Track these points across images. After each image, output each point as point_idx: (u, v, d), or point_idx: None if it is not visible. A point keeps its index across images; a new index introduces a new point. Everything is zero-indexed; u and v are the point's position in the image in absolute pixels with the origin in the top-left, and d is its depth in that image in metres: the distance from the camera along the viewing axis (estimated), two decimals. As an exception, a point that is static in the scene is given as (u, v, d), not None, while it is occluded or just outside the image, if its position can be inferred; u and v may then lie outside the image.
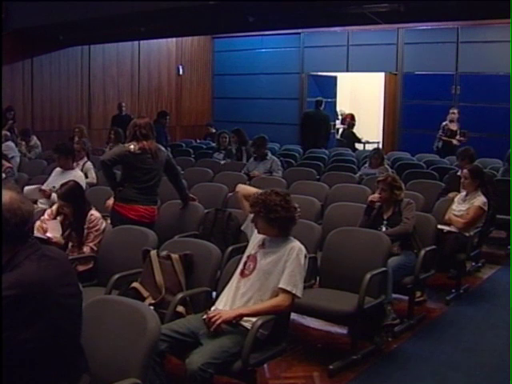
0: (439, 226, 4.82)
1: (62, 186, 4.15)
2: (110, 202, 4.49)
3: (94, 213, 4.05)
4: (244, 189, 3.48)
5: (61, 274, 1.95)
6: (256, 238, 3.13)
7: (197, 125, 13.65)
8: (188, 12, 7.94)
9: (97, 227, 3.99)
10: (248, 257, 3.09)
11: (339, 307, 3.59)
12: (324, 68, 12.57)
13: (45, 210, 4.31)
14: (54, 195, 5.27)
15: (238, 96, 13.51)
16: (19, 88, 10.58)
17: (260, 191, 3.16)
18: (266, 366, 3.44)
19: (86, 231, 3.96)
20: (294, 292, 2.91)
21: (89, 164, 6.40)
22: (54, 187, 5.41)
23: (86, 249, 3.94)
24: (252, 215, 3.10)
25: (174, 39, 13.07)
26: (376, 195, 4.51)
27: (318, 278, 4.08)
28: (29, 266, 1.86)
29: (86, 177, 6.04)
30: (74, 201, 4.00)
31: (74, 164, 5.88)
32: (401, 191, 4.43)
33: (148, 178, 4.37)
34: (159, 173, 4.48)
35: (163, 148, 4.67)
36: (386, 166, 7.21)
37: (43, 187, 5.37)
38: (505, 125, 9.38)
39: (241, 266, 3.08)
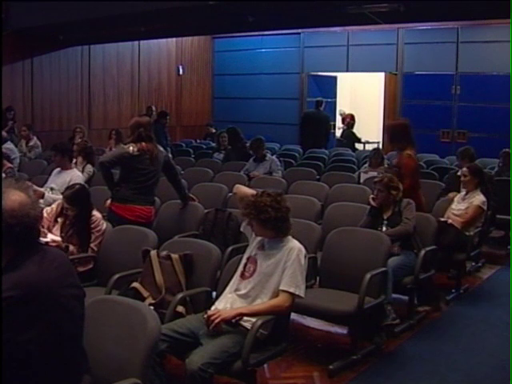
0: (442, 219, 4.83)
1: (68, 188, 4.14)
2: (109, 202, 4.49)
3: (96, 213, 4.05)
4: (240, 191, 3.40)
5: (62, 275, 1.94)
6: (255, 239, 3.13)
7: (197, 125, 13.65)
8: (188, 12, 7.93)
9: (98, 228, 3.99)
10: (248, 258, 3.09)
11: (339, 307, 3.59)
12: (324, 68, 12.56)
13: (43, 209, 4.29)
14: (47, 195, 5.25)
15: (238, 96, 13.50)
16: (19, 88, 10.57)
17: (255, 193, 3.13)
18: (265, 366, 3.44)
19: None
20: (297, 293, 2.92)
21: (89, 167, 6.38)
22: (51, 188, 5.41)
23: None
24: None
25: (173, 39, 13.06)
26: (372, 196, 4.52)
27: (318, 278, 4.08)
28: (30, 267, 1.85)
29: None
30: (79, 204, 3.99)
31: (73, 164, 5.87)
32: (398, 191, 4.43)
33: (145, 178, 4.37)
34: (157, 173, 4.49)
35: (162, 148, 4.67)
36: (386, 165, 7.21)
37: (35, 187, 5.31)
38: (505, 125, 9.37)
39: (241, 268, 3.08)
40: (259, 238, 3.09)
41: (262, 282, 2.97)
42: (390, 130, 4.92)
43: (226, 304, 3.00)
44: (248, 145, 7.91)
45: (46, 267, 1.88)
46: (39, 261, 1.88)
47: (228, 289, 3.08)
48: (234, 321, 2.87)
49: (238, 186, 3.49)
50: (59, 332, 1.89)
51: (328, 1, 7.20)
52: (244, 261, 3.10)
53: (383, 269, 3.81)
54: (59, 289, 1.90)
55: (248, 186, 6.11)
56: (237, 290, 3.03)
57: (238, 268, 3.10)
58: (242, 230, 3.36)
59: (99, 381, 2.09)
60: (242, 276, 3.04)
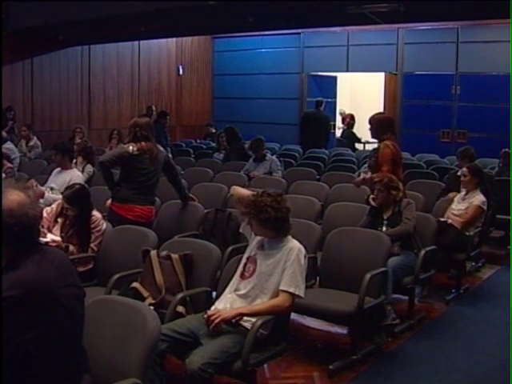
0: (442, 219, 4.84)
1: (68, 188, 4.13)
2: (110, 202, 4.49)
3: (95, 213, 4.04)
4: (238, 193, 3.39)
5: (62, 274, 1.94)
6: (255, 239, 3.12)
7: (197, 125, 13.65)
8: (188, 12, 7.93)
9: (98, 228, 3.99)
10: (247, 258, 3.09)
11: (339, 307, 3.59)
12: (324, 68, 12.57)
13: (42, 209, 4.28)
14: (46, 195, 5.25)
15: (238, 96, 13.51)
16: (19, 88, 10.57)
17: (253, 193, 3.13)
18: (265, 366, 3.44)
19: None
20: (297, 293, 2.92)
21: (89, 167, 6.39)
22: (51, 188, 5.40)
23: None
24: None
25: (173, 39, 13.06)
26: (373, 196, 4.52)
27: (317, 278, 4.08)
28: (30, 267, 1.85)
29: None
30: (79, 204, 3.99)
31: (73, 164, 5.87)
32: (398, 191, 4.43)
33: (145, 178, 4.38)
34: (157, 173, 4.49)
35: (162, 148, 4.68)
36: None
37: (39, 187, 5.31)
38: (505, 125, 9.38)
39: (241, 268, 3.08)
40: (259, 238, 3.09)
41: (262, 282, 2.97)
42: (377, 123, 5.05)
43: (226, 304, 3.00)
44: (248, 145, 7.91)
45: (45, 267, 1.88)
46: (39, 260, 1.88)
47: (228, 289, 3.08)
48: (233, 321, 2.87)
49: (234, 187, 3.48)
50: (59, 332, 1.89)
51: (328, 1, 7.20)
52: (244, 261, 3.10)
53: (383, 269, 3.81)
54: (59, 288, 1.90)
55: (248, 186, 6.15)
56: (236, 290, 3.02)
57: (238, 268, 3.10)
58: (241, 230, 3.36)
59: (99, 381, 2.09)
60: (242, 276, 3.04)
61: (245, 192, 3.35)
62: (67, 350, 1.94)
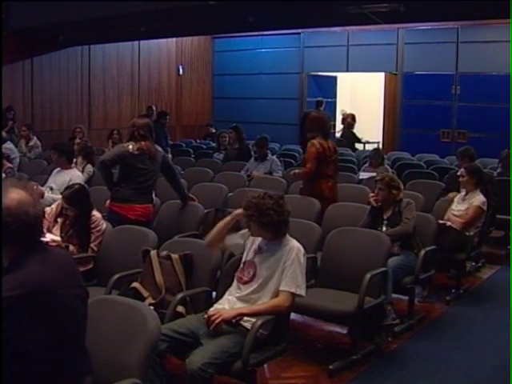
0: (441, 221, 4.84)
1: (67, 188, 4.13)
2: (109, 202, 4.49)
3: (95, 213, 4.04)
4: (213, 237, 3.24)
5: (65, 275, 1.94)
6: (251, 244, 3.11)
7: (197, 125, 13.65)
8: (188, 12, 7.93)
9: (98, 228, 3.99)
10: (244, 263, 3.08)
11: (339, 307, 3.59)
12: (324, 68, 12.57)
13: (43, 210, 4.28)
14: (46, 195, 5.25)
15: (238, 96, 13.50)
16: (19, 88, 10.57)
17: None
18: (266, 366, 3.43)
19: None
20: (298, 292, 2.92)
21: (89, 167, 6.39)
22: (51, 188, 5.40)
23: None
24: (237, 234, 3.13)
25: (173, 39, 13.07)
26: (373, 194, 4.52)
27: (318, 278, 4.08)
28: (33, 267, 1.85)
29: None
30: (78, 204, 3.99)
31: (73, 164, 5.86)
32: (399, 191, 4.43)
33: (145, 178, 4.38)
34: (156, 173, 4.51)
35: (160, 148, 4.68)
36: (386, 166, 7.22)
37: (39, 187, 5.31)
38: (505, 125, 9.38)
39: (238, 273, 3.07)
40: (256, 242, 3.08)
41: (263, 286, 2.97)
42: (308, 121, 5.40)
43: (225, 306, 2.99)
44: (253, 143, 7.90)
45: (49, 267, 1.88)
46: (42, 260, 1.88)
47: (227, 293, 3.07)
48: (234, 321, 2.87)
49: (206, 241, 3.33)
50: (62, 332, 1.89)
51: (328, 1, 7.20)
52: (241, 266, 3.09)
53: (383, 269, 3.81)
54: (62, 289, 1.89)
55: (248, 186, 6.16)
56: (237, 293, 3.02)
57: (236, 274, 3.09)
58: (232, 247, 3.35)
59: (99, 380, 2.08)
60: (242, 281, 3.03)
61: (217, 228, 3.23)
62: (69, 350, 1.94)
